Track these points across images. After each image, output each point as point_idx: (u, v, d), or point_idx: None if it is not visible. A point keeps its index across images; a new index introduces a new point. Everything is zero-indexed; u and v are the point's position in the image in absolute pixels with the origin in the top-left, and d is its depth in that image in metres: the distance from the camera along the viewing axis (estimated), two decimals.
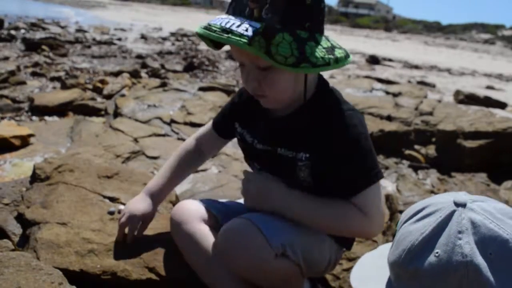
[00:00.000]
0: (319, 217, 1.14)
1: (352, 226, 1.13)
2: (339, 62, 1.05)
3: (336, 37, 22.28)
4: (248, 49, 0.96)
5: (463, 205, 0.71)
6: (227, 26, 0.99)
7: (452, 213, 0.70)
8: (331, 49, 1.05)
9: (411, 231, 0.72)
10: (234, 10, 1.03)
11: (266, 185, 1.18)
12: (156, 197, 1.42)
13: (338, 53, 1.06)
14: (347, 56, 1.09)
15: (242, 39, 0.96)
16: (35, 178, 1.74)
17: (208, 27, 1.02)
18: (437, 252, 0.68)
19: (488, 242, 0.67)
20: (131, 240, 1.37)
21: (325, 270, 1.33)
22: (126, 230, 1.38)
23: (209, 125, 1.47)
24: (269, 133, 1.23)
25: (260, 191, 1.19)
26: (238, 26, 0.98)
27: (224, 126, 1.42)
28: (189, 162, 1.47)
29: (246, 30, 0.97)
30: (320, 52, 1.01)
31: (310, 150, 1.14)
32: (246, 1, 0.99)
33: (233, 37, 0.97)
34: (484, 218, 0.68)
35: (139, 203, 1.40)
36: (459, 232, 0.68)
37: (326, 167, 1.12)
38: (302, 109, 1.16)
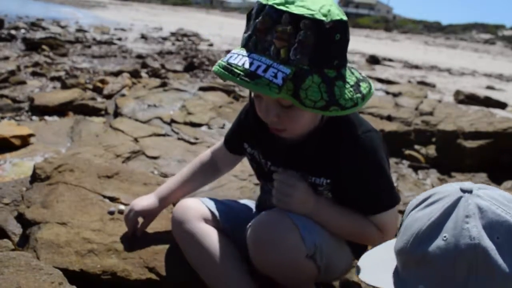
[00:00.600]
0: (341, 227, 1.20)
1: (368, 239, 1.22)
2: (365, 99, 1.01)
3: None
4: (276, 96, 0.91)
5: (470, 191, 0.71)
6: (252, 69, 0.91)
7: (459, 199, 0.71)
8: (357, 85, 1.01)
9: (418, 218, 0.73)
10: (256, 47, 0.94)
11: (308, 192, 1.15)
12: (163, 198, 1.41)
13: (364, 88, 1.02)
14: (370, 88, 1.05)
15: (271, 88, 0.89)
16: (35, 178, 1.74)
17: (228, 68, 0.93)
18: (445, 236, 0.68)
19: (495, 227, 0.67)
20: (132, 234, 1.39)
21: (336, 278, 1.33)
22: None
23: (220, 143, 1.45)
24: (284, 158, 1.20)
25: (301, 196, 1.13)
26: (265, 70, 0.90)
27: (235, 144, 1.38)
28: (203, 173, 1.45)
29: (275, 76, 0.90)
30: (348, 92, 0.97)
31: (331, 176, 1.13)
32: (271, 38, 0.91)
33: (261, 84, 0.89)
34: (491, 204, 0.69)
35: (143, 200, 1.41)
36: (466, 216, 0.68)
37: (347, 190, 1.15)
38: (320, 134, 1.12)
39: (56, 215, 1.48)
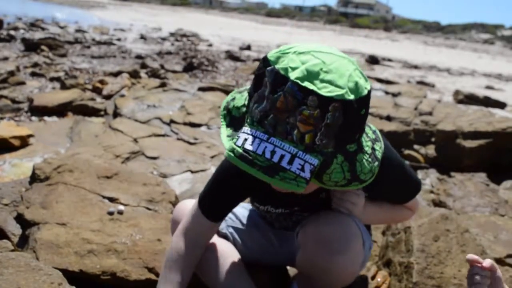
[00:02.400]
0: (382, 220, 1.35)
1: (402, 220, 1.37)
2: (379, 159, 0.94)
3: (336, 37, 22.29)
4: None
5: None
6: (275, 159, 0.79)
7: None
8: (373, 149, 0.94)
9: None
10: (275, 128, 0.80)
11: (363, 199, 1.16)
12: None
13: (378, 151, 0.95)
14: (381, 142, 1.00)
15: (299, 182, 0.79)
16: (34, 178, 1.74)
17: (246, 157, 0.80)
18: None
19: None
20: None
21: None
22: None
23: (196, 216, 1.20)
24: (293, 202, 1.20)
25: (362, 203, 1.14)
26: (290, 161, 0.79)
27: (223, 211, 1.21)
28: (191, 268, 1.21)
29: (302, 169, 0.79)
30: (367, 164, 0.89)
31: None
32: (294, 121, 0.78)
33: (287, 179, 0.79)
34: None
35: None
36: None
37: (378, 196, 1.18)
38: None
39: (56, 216, 1.47)
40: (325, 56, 0.83)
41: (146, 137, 3.02)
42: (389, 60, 11.54)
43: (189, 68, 6.32)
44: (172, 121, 3.42)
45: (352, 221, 1.11)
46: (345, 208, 1.12)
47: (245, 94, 0.92)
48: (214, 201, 1.19)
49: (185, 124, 3.39)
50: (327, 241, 1.07)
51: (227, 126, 0.91)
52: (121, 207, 1.57)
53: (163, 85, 4.67)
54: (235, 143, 0.82)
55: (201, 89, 4.64)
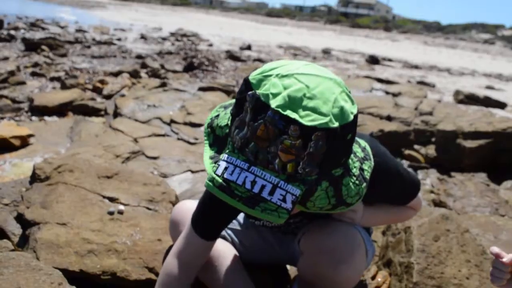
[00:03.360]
0: (384, 221, 1.39)
1: (406, 219, 1.35)
2: (368, 180, 0.91)
3: (336, 37, 22.28)
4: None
5: None
6: (255, 190, 0.75)
7: None
8: (361, 170, 0.90)
9: None
10: (256, 156, 0.77)
11: (361, 204, 1.17)
12: None
13: (367, 171, 0.91)
14: (371, 160, 0.96)
15: (280, 213, 0.76)
16: (34, 178, 1.74)
17: (225, 187, 0.77)
18: None
19: None
20: None
21: None
22: None
23: (190, 237, 1.17)
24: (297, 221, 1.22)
25: (361, 209, 1.16)
26: (271, 192, 0.76)
27: (217, 230, 1.18)
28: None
29: (284, 200, 0.76)
30: (354, 187, 0.86)
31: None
32: (276, 150, 0.75)
33: (268, 210, 0.76)
34: None
35: None
36: None
37: (373, 201, 1.18)
38: None
39: (56, 216, 1.48)
40: (309, 79, 0.78)
41: (146, 137, 3.02)
42: (389, 60, 11.54)
43: (190, 68, 6.32)
44: (172, 121, 3.42)
45: (355, 230, 1.12)
46: (347, 217, 1.13)
47: (229, 113, 0.88)
48: (207, 221, 1.15)
49: (185, 124, 3.39)
50: (330, 251, 1.07)
51: (210, 145, 0.88)
52: (121, 207, 1.57)
53: (163, 85, 4.67)
54: (215, 172, 0.79)
55: (202, 89, 4.64)
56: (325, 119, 0.75)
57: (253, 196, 0.76)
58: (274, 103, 0.75)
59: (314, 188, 0.80)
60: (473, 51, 21.25)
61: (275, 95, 0.76)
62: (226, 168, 0.78)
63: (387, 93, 5.30)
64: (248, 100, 0.78)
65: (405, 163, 3.25)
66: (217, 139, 0.88)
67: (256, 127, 0.76)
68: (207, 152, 0.87)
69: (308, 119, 0.74)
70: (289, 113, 0.74)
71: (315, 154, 0.76)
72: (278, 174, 0.76)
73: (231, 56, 8.17)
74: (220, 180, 0.77)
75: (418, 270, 1.39)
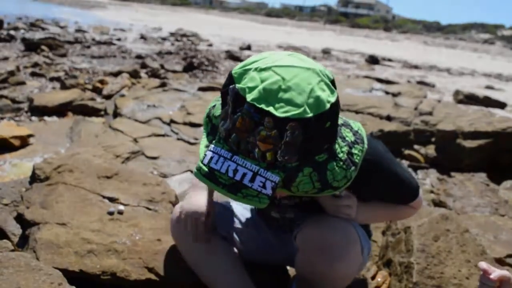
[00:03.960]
0: (380, 219, 1.40)
1: (405, 217, 1.36)
2: (358, 163, 0.92)
3: (336, 37, 22.28)
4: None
5: None
6: (237, 177, 0.80)
7: None
8: (350, 154, 0.91)
9: None
10: (238, 146, 0.82)
11: (355, 200, 1.16)
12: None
13: (356, 155, 0.92)
14: (364, 144, 0.96)
15: (261, 199, 0.81)
16: (34, 178, 1.74)
17: (210, 175, 0.82)
18: None
19: None
20: (200, 239, 1.24)
21: None
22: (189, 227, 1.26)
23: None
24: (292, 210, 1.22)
25: (355, 204, 1.15)
26: (252, 179, 0.80)
27: None
28: None
29: (263, 186, 0.81)
30: (341, 172, 0.87)
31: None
32: (254, 140, 0.79)
33: (249, 196, 0.81)
34: None
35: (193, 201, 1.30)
36: None
37: (368, 199, 1.18)
38: None
39: (56, 216, 1.47)
40: (286, 71, 0.82)
41: (146, 137, 3.02)
42: (389, 60, 11.54)
43: (189, 68, 6.32)
44: (172, 121, 3.42)
45: (351, 227, 1.12)
46: (344, 213, 1.12)
47: None
48: None
49: (185, 124, 3.39)
50: (326, 247, 1.08)
51: (208, 134, 0.93)
52: (121, 207, 1.57)
53: (163, 85, 4.67)
54: (202, 161, 0.84)
55: (201, 89, 4.64)
56: (299, 110, 0.79)
57: (235, 183, 0.81)
58: (250, 96, 0.80)
59: (295, 175, 0.83)
60: (473, 51, 21.26)
61: (251, 89, 0.81)
62: (211, 158, 0.83)
63: (387, 93, 5.30)
64: (229, 94, 0.84)
65: (405, 163, 3.25)
66: (214, 128, 0.93)
67: (236, 119, 0.81)
68: (204, 141, 0.92)
69: (281, 111, 0.78)
70: (263, 106, 0.79)
71: (292, 143, 0.79)
72: (258, 162, 0.81)
73: (231, 56, 8.17)
74: (206, 169, 0.83)
75: (418, 270, 1.39)
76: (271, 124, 0.78)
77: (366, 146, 0.96)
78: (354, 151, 0.92)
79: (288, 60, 0.85)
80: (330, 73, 0.88)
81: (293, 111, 0.78)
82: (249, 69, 0.84)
